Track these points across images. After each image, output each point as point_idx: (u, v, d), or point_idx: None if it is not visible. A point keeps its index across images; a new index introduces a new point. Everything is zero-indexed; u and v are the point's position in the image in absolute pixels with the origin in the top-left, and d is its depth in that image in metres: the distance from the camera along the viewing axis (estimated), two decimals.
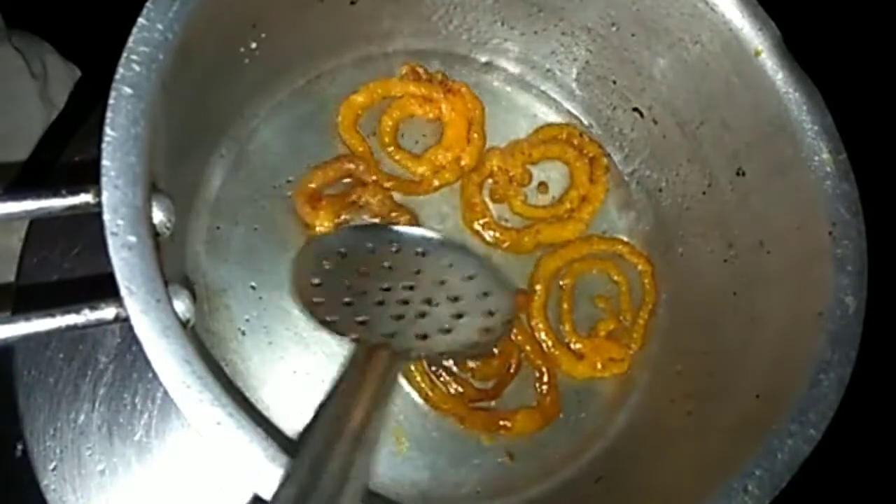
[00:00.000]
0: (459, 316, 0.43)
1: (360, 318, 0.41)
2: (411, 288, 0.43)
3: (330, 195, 0.47)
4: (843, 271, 0.38)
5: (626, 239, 0.51)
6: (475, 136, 0.50)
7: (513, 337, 0.47)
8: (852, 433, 0.42)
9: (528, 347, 0.47)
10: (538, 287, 0.48)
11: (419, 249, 0.45)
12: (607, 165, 0.52)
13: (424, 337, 0.41)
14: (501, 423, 0.45)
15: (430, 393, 0.45)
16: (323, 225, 0.46)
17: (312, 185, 0.46)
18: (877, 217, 0.41)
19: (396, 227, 0.46)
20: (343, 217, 0.46)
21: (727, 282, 0.45)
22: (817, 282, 0.39)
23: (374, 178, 0.47)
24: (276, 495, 0.29)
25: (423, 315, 0.42)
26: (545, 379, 0.46)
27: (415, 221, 0.47)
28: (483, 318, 0.43)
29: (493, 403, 0.46)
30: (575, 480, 0.44)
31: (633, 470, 0.43)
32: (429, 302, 0.43)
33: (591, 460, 0.45)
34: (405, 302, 0.42)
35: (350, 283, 0.42)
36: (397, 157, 0.49)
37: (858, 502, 0.58)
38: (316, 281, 0.42)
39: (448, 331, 0.42)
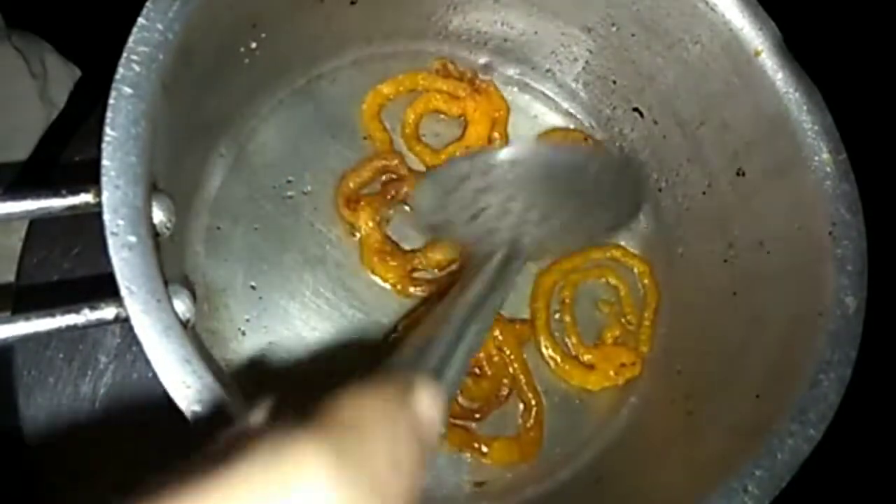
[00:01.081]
0: (584, 210, 0.42)
1: (486, 228, 0.41)
2: (535, 193, 0.41)
3: (367, 195, 0.47)
4: (843, 271, 0.38)
5: (620, 243, 0.51)
6: (497, 135, 0.51)
7: (507, 364, 0.46)
8: (852, 433, 0.42)
9: (522, 379, 0.46)
10: (538, 305, 0.48)
11: (540, 162, 0.41)
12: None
13: (549, 236, 0.42)
14: (476, 445, 0.44)
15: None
16: (367, 224, 0.46)
17: (350, 187, 0.47)
18: (877, 217, 0.41)
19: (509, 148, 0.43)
20: (384, 213, 0.47)
21: (727, 282, 0.45)
22: (817, 282, 0.39)
23: (407, 173, 0.48)
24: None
25: (547, 217, 0.41)
26: (533, 413, 0.45)
27: None
28: (610, 206, 0.42)
29: (473, 425, 0.45)
30: (575, 480, 0.44)
31: (633, 470, 0.43)
32: (554, 205, 0.42)
33: (590, 461, 0.45)
34: (529, 208, 0.41)
35: (471, 202, 0.41)
36: (417, 149, 0.49)
37: (858, 502, 0.58)
38: (439, 206, 0.42)
39: (570, 230, 0.42)
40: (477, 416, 0.45)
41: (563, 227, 0.42)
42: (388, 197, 0.47)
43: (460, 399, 0.45)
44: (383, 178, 0.48)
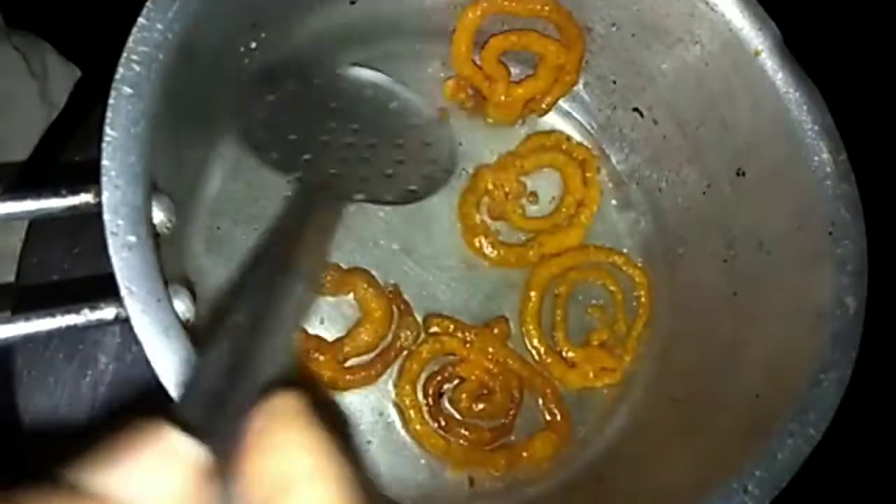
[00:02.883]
0: (401, 162, 0.43)
1: (304, 157, 0.40)
2: (356, 131, 0.43)
3: None
4: (843, 271, 0.38)
5: (623, 249, 0.50)
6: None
7: (506, 368, 0.46)
8: (852, 433, 0.42)
9: (525, 373, 0.46)
10: (533, 294, 0.48)
11: (367, 92, 0.45)
12: (598, 166, 0.51)
13: (366, 180, 0.41)
14: (523, 454, 0.44)
15: (445, 455, 0.44)
16: None
17: None
18: (877, 217, 0.41)
19: (346, 70, 0.46)
20: None
21: (727, 282, 0.45)
22: (817, 282, 0.39)
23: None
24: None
25: (365, 160, 0.42)
26: (549, 398, 0.46)
27: (370, 282, 0.45)
28: (425, 165, 0.43)
29: (512, 438, 0.45)
30: (575, 480, 0.44)
31: (633, 470, 0.44)
32: (372, 146, 0.42)
33: (591, 460, 0.45)
34: (350, 145, 0.42)
35: (294, 120, 0.42)
36: None
37: (858, 502, 0.58)
38: (261, 114, 0.41)
39: (390, 176, 0.42)
40: (507, 429, 0.45)
41: (380, 171, 0.42)
42: None
43: (483, 423, 0.45)
44: None
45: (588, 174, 0.51)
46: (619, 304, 0.49)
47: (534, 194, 0.51)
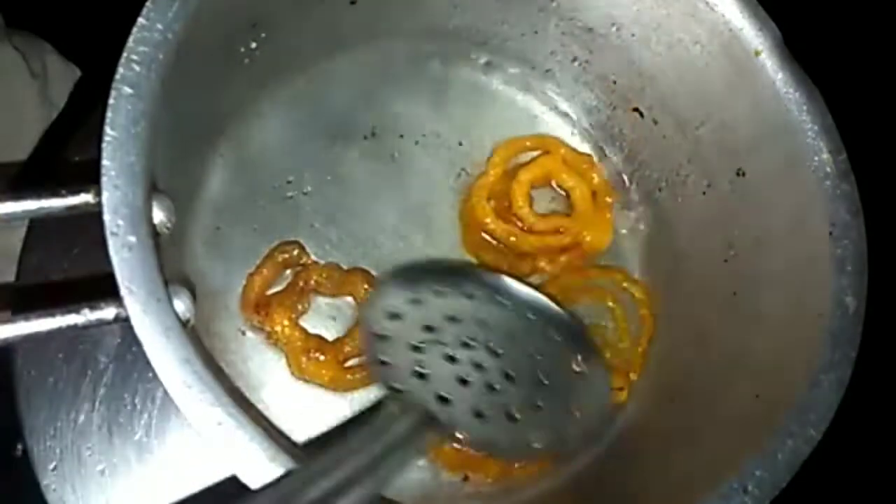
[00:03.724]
0: (536, 408, 0.37)
1: (419, 370, 0.36)
2: (497, 354, 0.37)
3: (276, 293, 0.44)
4: (843, 271, 0.38)
5: (623, 249, 0.50)
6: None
7: None
8: (852, 433, 0.42)
9: None
10: None
11: (530, 313, 0.40)
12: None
13: (482, 417, 0.36)
14: (516, 464, 0.43)
15: (437, 457, 0.42)
16: (283, 326, 0.43)
17: (256, 291, 0.43)
18: (877, 217, 0.41)
19: (511, 281, 0.40)
20: (300, 307, 0.44)
21: (727, 282, 0.45)
22: (817, 282, 0.39)
23: (311, 259, 0.45)
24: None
25: (493, 389, 0.36)
26: None
27: (370, 282, 0.44)
28: (560, 417, 0.37)
29: None
30: (575, 480, 0.44)
31: (633, 470, 0.43)
32: (509, 377, 0.37)
33: (591, 460, 0.45)
34: (480, 367, 0.37)
35: (429, 326, 0.38)
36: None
37: (858, 502, 0.58)
38: (392, 313, 0.38)
39: (514, 419, 0.36)
40: None
41: (504, 410, 0.36)
42: (299, 289, 0.44)
43: None
44: (287, 272, 0.45)
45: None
46: (620, 319, 0.48)
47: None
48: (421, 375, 0.36)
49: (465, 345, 0.38)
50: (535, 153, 0.50)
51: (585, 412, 0.38)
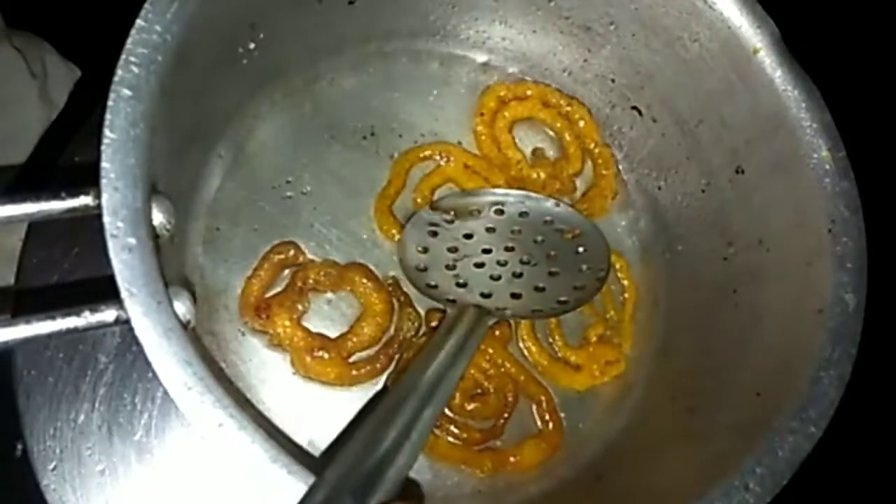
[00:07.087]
0: (554, 273, 0.46)
1: (459, 281, 0.45)
2: (511, 249, 0.47)
3: (275, 295, 0.44)
4: (842, 269, 0.39)
5: (623, 248, 0.51)
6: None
7: (503, 370, 0.46)
8: (853, 430, 0.42)
9: (521, 378, 0.46)
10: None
11: (522, 209, 0.48)
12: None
13: (518, 296, 0.45)
14: (510, 459, 0.44)
15: (430, 450, 0.43)
16: (285, 327, 0.43)
17: (256, 294, 0.43)
18: (876, 214, 0.41)
19: (499, 190, 0.49)
20: (301, 307, 0.44)
21: (727, 279, 0.45)
22: (817, 279, 0.39)
23: (309, 257, 0.45)
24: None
25: (519, 275, 0.46)
26: (544, 406, 0.45)
27: (368, 276, 0.45)
28: (575, 274, 0.46)
29: (498, 443, 0.45)
30: (575, 479, 0.44)
31: (633, 468, 0.44)
32: (526, 262, 0.46)
33: (591, 459, 0.45)
34: (503, 263, 0.46)
35: (453, 247, 0.46)
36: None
37: (858, 501, 0.58)
38: (422, 248, 0.46)
39: (542, 289, 0.46)
40: (497, 432, 0.45)
41: (532, 286, 0.46)
42: (297, 289, 0.44)
43: (474, 423, 0.45)
44: (285, 272, 0.45)
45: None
46: (605, 292, 0.49)
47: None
48: (462, 285, 0.45)
49: (486, 251, 0.46)
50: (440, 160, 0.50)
51: (591, 264, 0.47)
